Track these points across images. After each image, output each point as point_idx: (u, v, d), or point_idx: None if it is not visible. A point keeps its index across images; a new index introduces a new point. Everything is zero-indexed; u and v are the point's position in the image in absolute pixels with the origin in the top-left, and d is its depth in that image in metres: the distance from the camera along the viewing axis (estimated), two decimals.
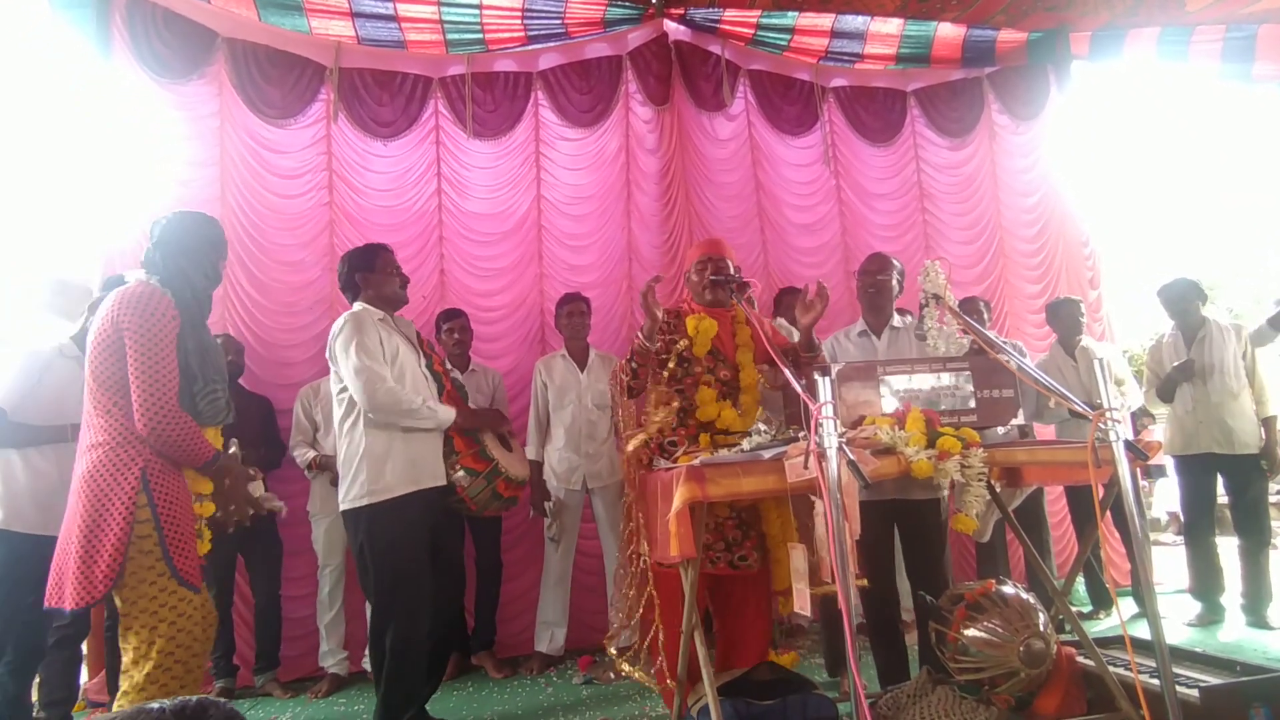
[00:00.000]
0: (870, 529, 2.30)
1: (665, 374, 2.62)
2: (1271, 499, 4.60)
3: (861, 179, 5.04)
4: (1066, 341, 4.09)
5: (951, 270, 3.04)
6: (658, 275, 2.61)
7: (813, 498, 1.84)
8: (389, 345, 2.65)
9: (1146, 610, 2.02)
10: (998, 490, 2.75)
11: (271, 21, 4.13)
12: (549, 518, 3.73)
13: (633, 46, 4.68)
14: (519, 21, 4.47)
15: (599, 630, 3.87)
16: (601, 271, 4.44)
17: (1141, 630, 2.40)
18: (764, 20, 4.86)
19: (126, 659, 1.93)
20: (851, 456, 1.75)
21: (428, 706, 2.81)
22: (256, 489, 2.29)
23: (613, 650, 2.63)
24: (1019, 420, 2.32)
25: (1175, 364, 3.92)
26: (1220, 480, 3.94)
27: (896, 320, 2.97)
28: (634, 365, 2.60)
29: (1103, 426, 1.96)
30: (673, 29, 4.76)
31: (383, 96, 4.27)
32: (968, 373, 2.31)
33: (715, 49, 4.85)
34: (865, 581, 2.33)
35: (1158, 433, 4.28)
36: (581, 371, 3.81)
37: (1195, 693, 2.09)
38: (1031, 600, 2.24)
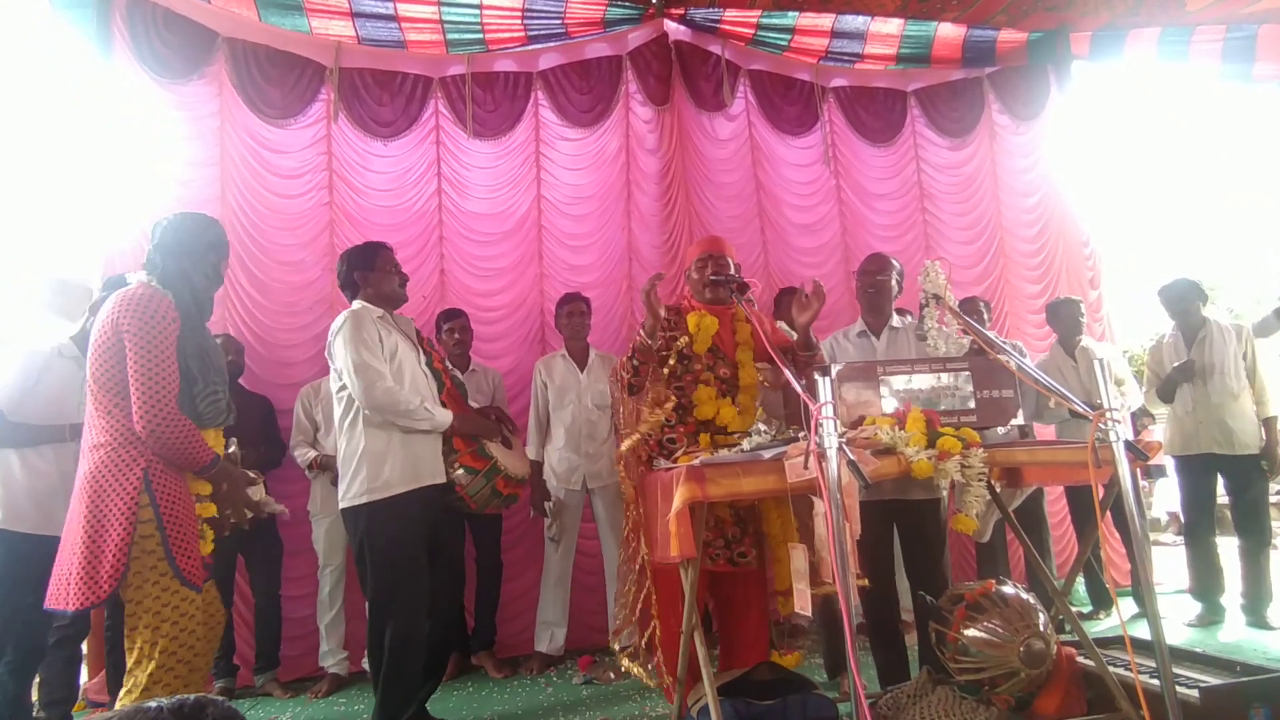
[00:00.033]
0: (870, 529, 2.30)
1: (665, 371, 2.62)
2: (1272, 499, 4.60)
3: (862, 179, 5.04)
4: (1066, 342, 4.09)
5: (951, 270, 3.05)
6: (660, 273, 2.60)
7: (813, 498, 1.84)
8: (388, 343, 2.65)
9: (1146, 610, 2.03)
10: (998, 490, 2.75)
11: (272, 21, 4.13)
12: (549, 518, 3.73)
13: (633, 46, 4.67)
14: (519, 21, 4.47)
15: (599, 630, 3.89)
16: (601, 271, 4.44)
17: (1141, 630, 2.40)
18: (764, 20, 4.86)
19: (130, 659, 1.93)
20: (851, 456, 1.75)
21: (428, 706, 2.81)
22: (257, 492, 2.29)
23: (616, 646, 2.64)
24: (1019, 420, 2.32)
25: (1175, 364, 3.92)
26: (1220, 480, 3.94)
27: (896, 320, 2.97)
28: (635, 363, 2.60)
29: (1103, 427, 1.96)
30: (673, 29, 4.76)
31: (383, 96, 4.27)
32: (968, 373, 2.31)
33: (715, 49, 4.84)
34: (865, 581, 2.33)
35: (1158, 433, 4.28)
36: (581, 371, 3.81)
37: (1195, 693, 2.09)
38: (1031, 600, 2.24)
